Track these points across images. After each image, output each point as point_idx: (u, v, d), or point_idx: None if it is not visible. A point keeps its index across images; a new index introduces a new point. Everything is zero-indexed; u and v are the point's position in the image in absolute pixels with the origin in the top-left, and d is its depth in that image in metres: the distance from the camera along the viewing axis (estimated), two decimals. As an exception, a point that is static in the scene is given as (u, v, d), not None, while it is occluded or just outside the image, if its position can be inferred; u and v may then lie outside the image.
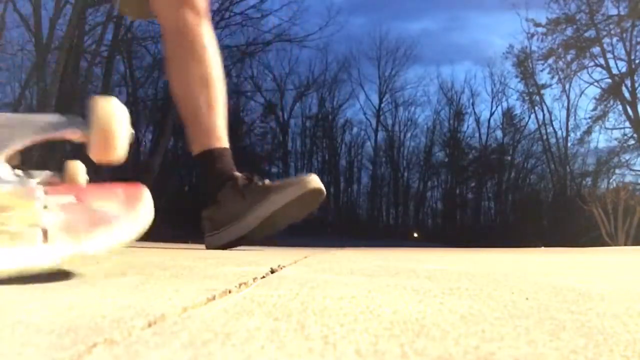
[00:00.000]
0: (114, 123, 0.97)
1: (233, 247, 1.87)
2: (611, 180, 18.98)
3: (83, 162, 1.11)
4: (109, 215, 0.91)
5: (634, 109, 17.16)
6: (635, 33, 17.55)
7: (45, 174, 1.22)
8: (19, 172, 1.04)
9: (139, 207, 0.99)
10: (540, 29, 19.10)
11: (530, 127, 23.42)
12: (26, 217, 0.83)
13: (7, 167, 1.00)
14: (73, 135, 1.01)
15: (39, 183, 1.02)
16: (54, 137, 1.01)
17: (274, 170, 23.60)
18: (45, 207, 0.88)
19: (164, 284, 0.85)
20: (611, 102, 18.50)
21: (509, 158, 24.23)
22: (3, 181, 0.95)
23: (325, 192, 1.77)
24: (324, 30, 18.84)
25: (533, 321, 0.59)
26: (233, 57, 17.68)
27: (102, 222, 0.88)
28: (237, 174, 1.78)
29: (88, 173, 1.21)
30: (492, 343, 0.47)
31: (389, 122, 25.16)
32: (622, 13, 17.28)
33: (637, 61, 17.66)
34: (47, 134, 1.01)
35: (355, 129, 25.48)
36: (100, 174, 1.08)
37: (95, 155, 1.00)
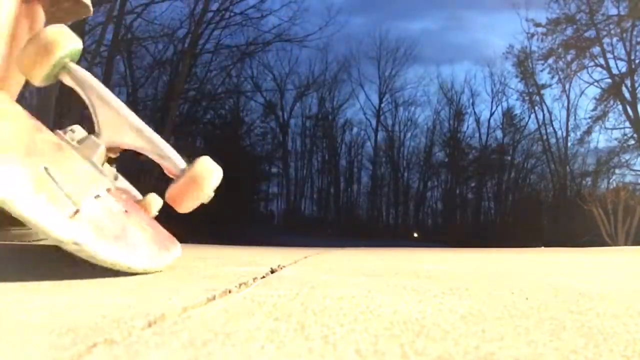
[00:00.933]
0: (204, 186, 1.03)
1: None
2: (611, 180, 18.96)
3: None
4: (134, 241, 0.95)
5: (634, 109, 17.15)
6: (635, 33, 17.55)
7: (128, 185, 1.25)
8: (110, 167, 1.09)
9: (163, 255, 1.04)
10: (540, 29, 19.11)
11: (530, 127, 23.39)
12: (75, 193, 0.86)
13: (101, 154, 1.06)
14: (170, 167, 1.07)
15: (116, 186, 1.07)
16: (154, 157, 1.08)
17: (274, 170, 23.61)
18: (97, 196, 0.93)
19: (164, 284, 0.85)
20: (611, 102, 18.50)
21: (509, 158, 24.20)
22: (89, 162, 1.02)
23: None
24: (324, 30, 18.85)
25: (533, 321, 0.59)
26: (233, 57, 17.70)
27: (124, 242, 0.91)
28: None
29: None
30: (492, 343, 0.47)
31: (389, 122, 25.14)
32: (622, 13, 17.27)
33: (637, 61, 17.66)
34: (151, 151, 1.08)
35: (355, 129, 25.46)
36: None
37: (170, 195, 1.06)
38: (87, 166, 1.01)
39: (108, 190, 1.00)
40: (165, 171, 1.08)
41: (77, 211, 0.81)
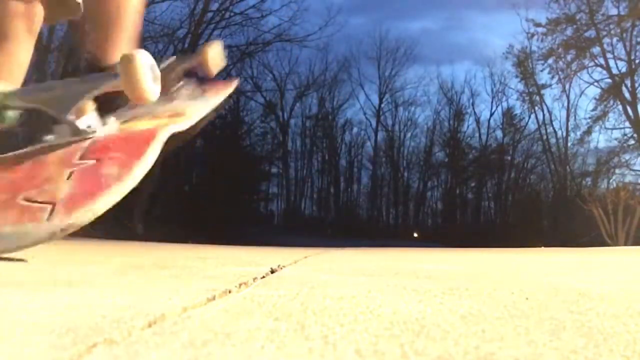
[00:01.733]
0: (137, 66, 1.11)
1: None
2: (611, 180, 18.96)
3: None
4: (110, 180, 0.99)
5: (634, 109, 17.14)
6: (635, 33, 17.54)
7: (124, 113, 1.32)
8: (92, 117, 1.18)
9: (137, 164, 1.07)
10: (540, 29, 19.09)
11: (530, 127, 23.40)
12: (47, 191, 0.94)
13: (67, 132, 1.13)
14: (111, 85, 1.16)
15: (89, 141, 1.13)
16: (104, 88, 1.16)
17: (274, 170, 23.60)
18: (69, 176, 1.00)
19: (164, 284, 0.85)
20: (611, 102, 18.49)
21: (509, 158, 24.19)
22: (55, 151, 1.10)
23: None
24: (324, 30, 18.82)
25: (533, 321, 0.59)
26: (233, 57, 17.68)
27: (104, 190, 0.97)
28: None
29: None
30: (492, 343, 0.47)
31: (389, 122, 25.17)
32: (622, 13, 17.26)
33: (637, 61, 17.65)
34: (98, 87, 1.16)
35: (355, 129, 25.49)
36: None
37: (129, 94, 1.13)
38: (53, 155, 1.08)
39: (81, 157, 1.08)
40: (113, 89, 1.17)
41: (54, 206, 0.89)
